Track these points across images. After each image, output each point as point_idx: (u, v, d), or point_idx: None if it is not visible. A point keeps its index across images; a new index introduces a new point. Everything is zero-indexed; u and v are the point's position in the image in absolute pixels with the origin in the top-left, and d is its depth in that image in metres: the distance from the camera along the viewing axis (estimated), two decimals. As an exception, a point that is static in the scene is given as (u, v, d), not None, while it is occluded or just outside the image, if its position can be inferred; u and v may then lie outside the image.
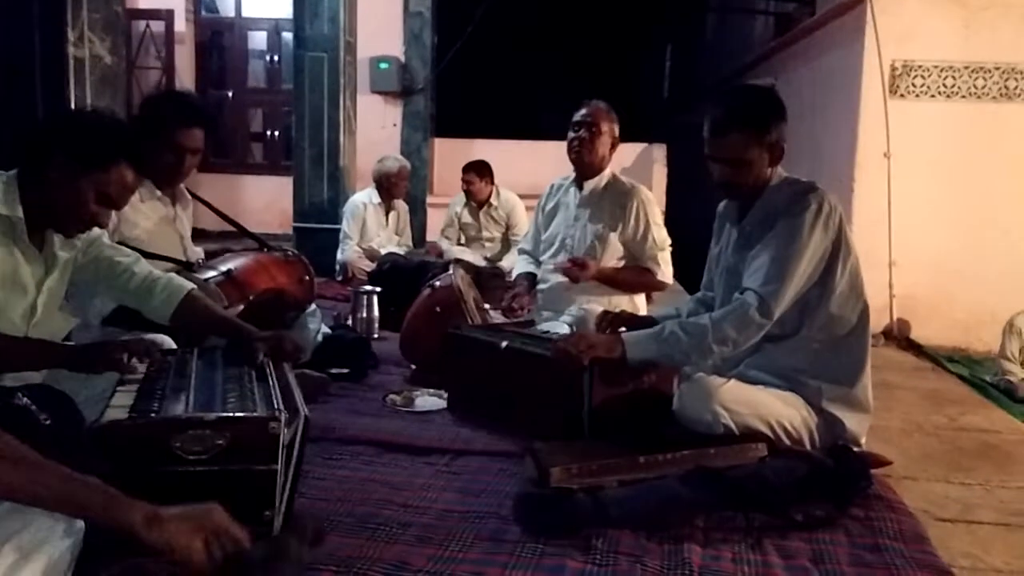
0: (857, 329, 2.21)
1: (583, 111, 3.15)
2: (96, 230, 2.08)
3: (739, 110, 2.20)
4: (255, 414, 1.58)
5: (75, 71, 2.98)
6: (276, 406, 1.63)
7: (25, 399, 1.48)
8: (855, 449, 2.18)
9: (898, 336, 4.68)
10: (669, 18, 11.17)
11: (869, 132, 4.76)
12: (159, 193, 2.65)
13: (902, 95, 4.68)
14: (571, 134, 3.15)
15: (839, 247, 2.17)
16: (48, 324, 1.94)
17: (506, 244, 5.62)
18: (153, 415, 1.56)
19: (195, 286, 2.20)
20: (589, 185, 3.21)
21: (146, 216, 2.59)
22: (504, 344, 2.55)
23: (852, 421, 2.19)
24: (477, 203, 5.68)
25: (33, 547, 1.12)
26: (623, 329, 2.41)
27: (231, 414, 1.57)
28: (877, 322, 4.50)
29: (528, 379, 2.44)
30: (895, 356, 4.30)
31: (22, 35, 2.94)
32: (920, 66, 4.66)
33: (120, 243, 2.28)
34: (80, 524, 1.17)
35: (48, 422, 1.45)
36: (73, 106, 2.95)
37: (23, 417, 1.45)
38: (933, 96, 4.67)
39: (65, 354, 1.86)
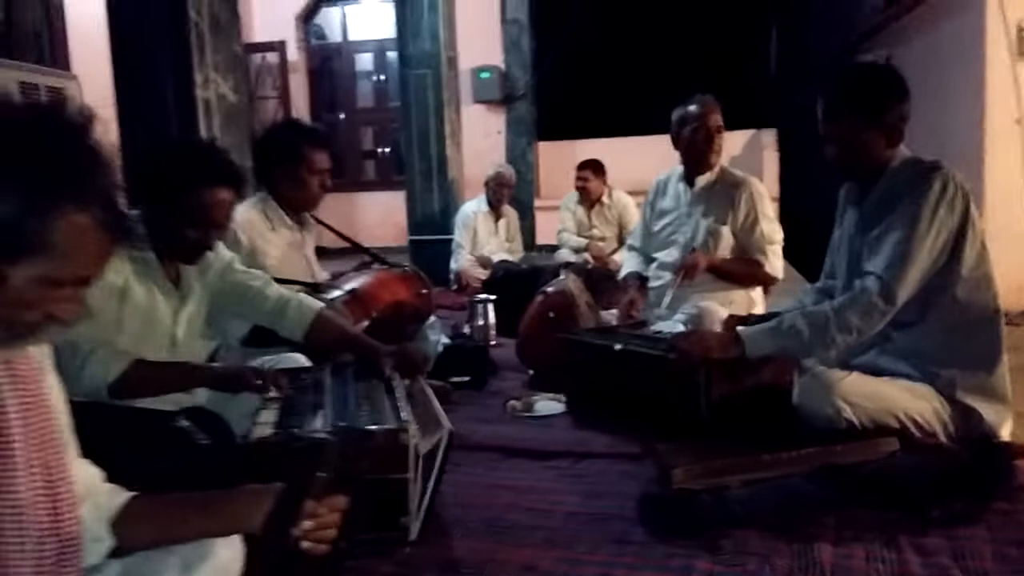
0: (988, 315, 2.11)
1: (693, 110, 3.10)
2: (227, 255, 2.25)
3: (854, 91, 2.14)
4: (387, 426, 1.68)
5: (204, 112, 3.22)
6: (405, 418, 1.73)
7: (185, 421, 1.63)
8: (994, 440, 2.08)
9: (1040, 316, 4.36)
10: (772, -5, 10.79)
11: (997, 99, 4.47)
12: (288, 221, 2.82)
13: (1032, 57, 4.37)
14: (688, 134, 3.11)
15: (965, 229, 2.07)
16: (189, 351, 2.09)
17: (620, 243, 5.61)
18: (295, 431, 1.69)
19: (324, 305, 2.34)
20: (701, 181, 3.18)
21: (276, 245, 2.77)
22: (618, 347, 2.58)
23: (989, 411, 2.08)
24: (590, 202, 5.70)
25: (197, 559, 1.20)
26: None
27: (366, 427, 1.67)
28: (1016, 302, 4.22)
29: (643, 380, 2.46)
30: (1038, 338, 4.02)
31: (156, 83, 3.20)
32: (1051, 24, 4.34)
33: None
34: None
35: (206, 442, 1.59)
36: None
37: (184, 438, 1.60)
38: (1068, 55, 4.34)
39: (207, 376, 1.98)
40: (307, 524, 1.12)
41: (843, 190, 2.39)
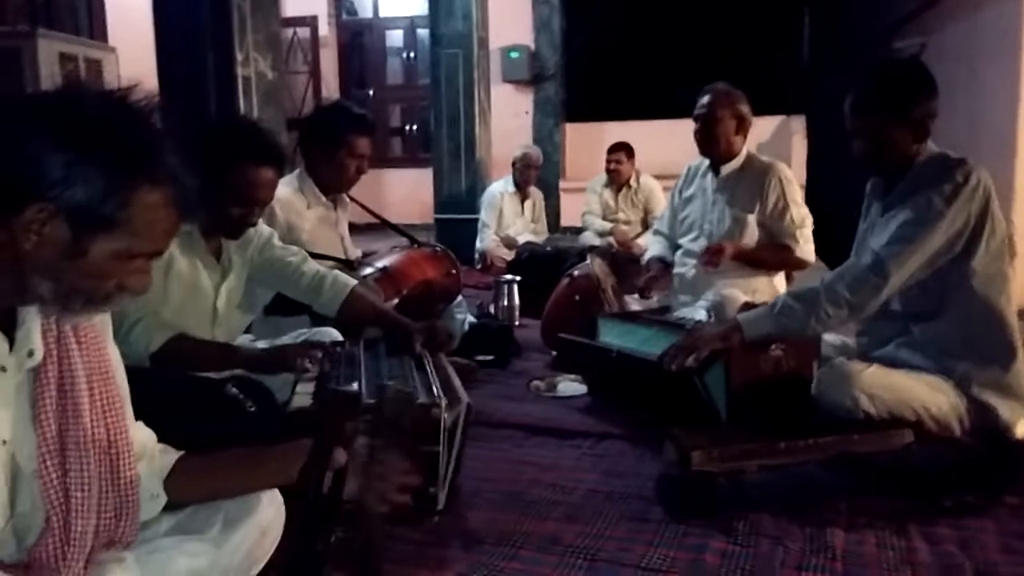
0: (1006, 312, 2.14)
1: (702, 100, 3.14)
2: (267, 231, 2.33)
3: (881, 88, 2.17)
4: (419, 400, 1.75)
5: (243, 89, 3.30)
6: (436, 393, 1.81)
7: (234, 389, 1.72)
8: (1009, 437, 2.12)
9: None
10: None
11: (1032, 92, 4.43)
12: (324, 199, 2.90)
13: (1070, 49, 4.32)
14: (695, 125, 3.17)
15: (983, 223, 2.10)
16: (228, 322, 2.19)
17: (645, 227, 5.64)
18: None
19: (357, 282, 2.42)
20: (725, 169, 3.20)
21: (311, 221, 2.85)
22: (614, 353, 2.63)
23: (1004, 408, 2.12)
24: (617, 185, 5.72)
25: (240, 515, 1.28)
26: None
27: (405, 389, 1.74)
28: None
29: (642, 382, 2.51)
30: (1064, 334, 4.01)
31: (198, 59, 3.28)
32: (1091, 17, 4.28)
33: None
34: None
35: (253, 409, 1.68)
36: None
37: (233, 405, 1.69)
38: (1108, 49, 4.28)
39: (245, 358, 2.06)
40: (378, 486, 1.19)
41: (870, 184, 2.42)
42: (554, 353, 3.35)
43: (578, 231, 6.13)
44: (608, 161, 5.66)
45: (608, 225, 5.72)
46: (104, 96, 1.08)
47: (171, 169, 1.08)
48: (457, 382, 1.93)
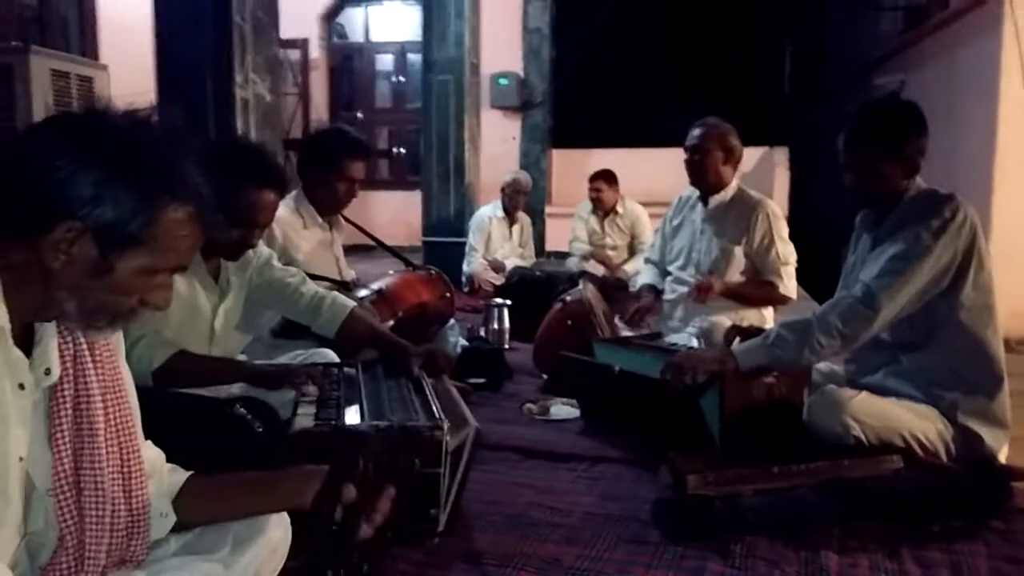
0: (992, 344, 2.20)
1: (693, 132, 3.23)
2: (266, 252, 2.34)
3: (876, 124, 2.25)
4: (421, 422, 1.77)
5: (241, 110, 3.33)
6: (437, 415, 1.82)
7: (242, 409, 1.73)
8: (994, 463, 2.16)
9: (1044, 343, 4.44)
10: (789, 14, 10.86)
11: (1009, 130, 4.56)
12: (320, 220, 2.93)
13: (1045, 90, 4.45)
14: (685, 157, 3.25)
15: (970, 259, 2.16)
16: (226, 343, 2.20)
17: (631, 253, 5.69)
18: (334, 423, 1.78)
19: (356, 304, 2.44)
20: (714, 200, 3.27)
21: (307, 241, 2.88)
22: (617, 369, 2.66)
23: (989, 436, 2.17)
24: (603, 212, 5.78)
25: (249, 536, 1.30)
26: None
27: (408, 425, 1.76)
28: (1018, 328, 4.29)
29: (644, 401, 2.54)
30: (1041, 364, 4.09)
31: (197, 80, 3.31)
32: (1065, 59, 4.42)
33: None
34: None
35: (260, 429, 1.69)
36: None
37: (241, 425, 1.70)
38: (1080, 90, 4.41)
39: (247, 372, 2.09)
40: (376, 515, 1.21)
41: (859, 217, 2.49)
42: (545, 376, 3.38)
43: (563, 256, 6.17)
44: (590, 189, 5.71)
45: (589, 248, 5.78)
46: (130, 116, 1.10)
47: (195, 186, 1.10)
48: (463, 406, 1.95)
